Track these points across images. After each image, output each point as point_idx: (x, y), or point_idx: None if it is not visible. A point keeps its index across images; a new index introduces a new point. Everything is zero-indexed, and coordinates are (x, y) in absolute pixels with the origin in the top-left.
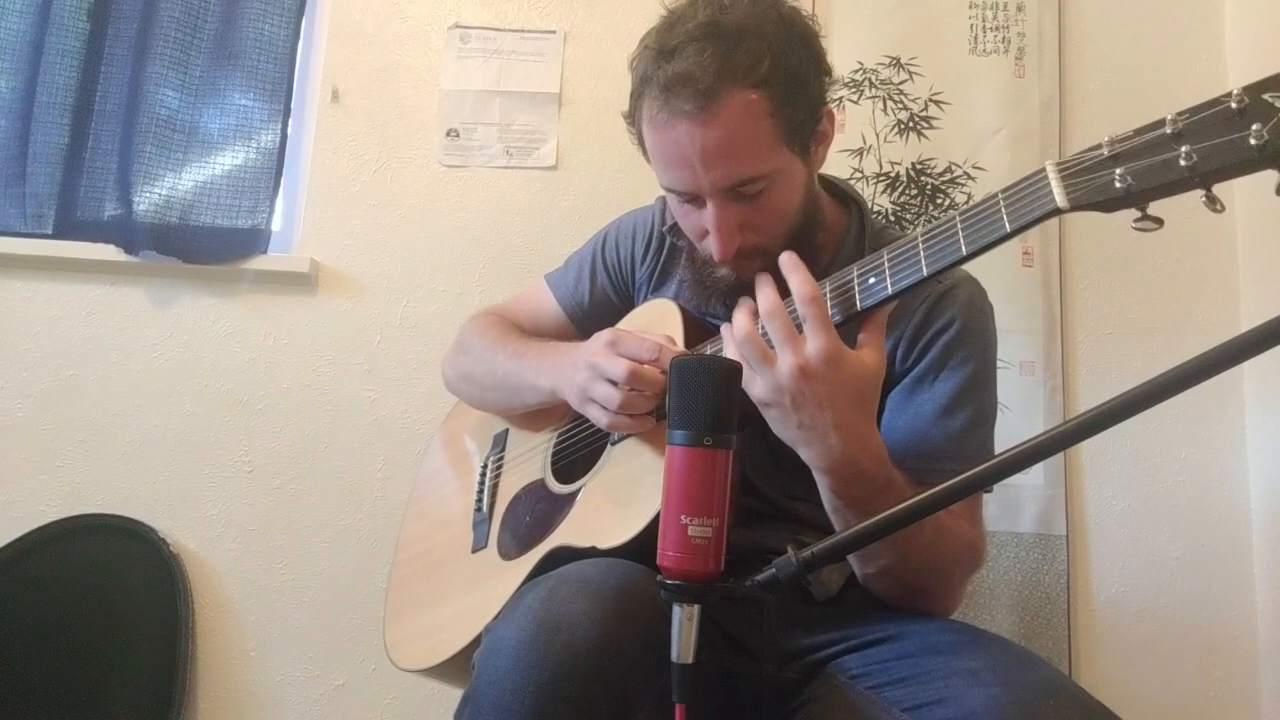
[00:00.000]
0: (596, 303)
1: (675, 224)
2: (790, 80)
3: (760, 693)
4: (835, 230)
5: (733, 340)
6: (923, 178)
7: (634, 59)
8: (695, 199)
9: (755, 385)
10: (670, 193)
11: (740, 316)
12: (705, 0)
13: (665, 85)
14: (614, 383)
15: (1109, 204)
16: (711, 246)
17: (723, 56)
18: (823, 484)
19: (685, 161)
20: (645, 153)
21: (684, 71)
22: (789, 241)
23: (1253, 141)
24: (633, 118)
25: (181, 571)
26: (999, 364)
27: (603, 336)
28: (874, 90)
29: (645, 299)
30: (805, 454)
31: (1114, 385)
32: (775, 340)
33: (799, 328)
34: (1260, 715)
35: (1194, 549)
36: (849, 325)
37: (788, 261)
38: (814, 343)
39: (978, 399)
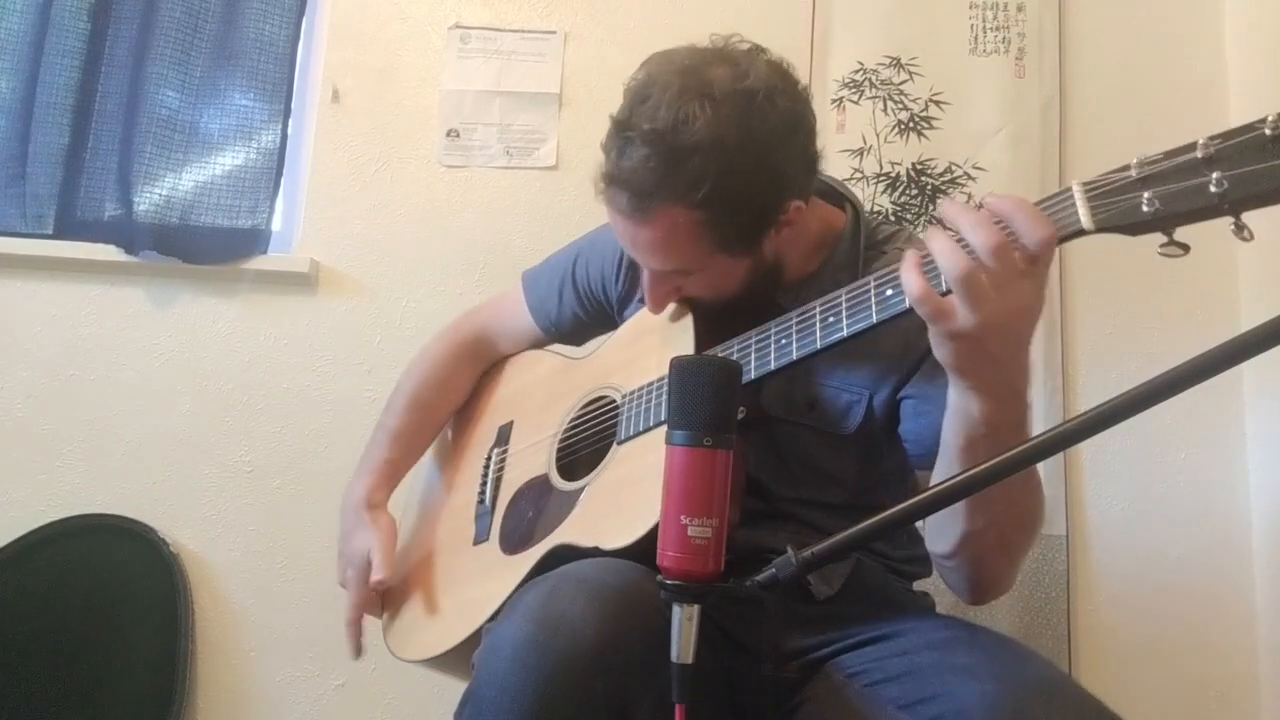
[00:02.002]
0: (565, 318)
1: None
2: (732, 200)
3: (759, 693)
4: (828, 236)
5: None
6: (923, 178)
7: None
8: None
9: (956, 319)
10: None
11: (947, 251)
12: (678, 95)
13: (608, 176)
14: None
15: (1135, 227)
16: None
17: (663, 173)
18: (974, 412)
19: (621, 234)
20: None
21: (626, 173)
22: (726, 304)
23: None
24: None
25: (181, 571)
26: None
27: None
28: (874, 90)
29: (625, 307)
30: (979, 382)
31: (1114, 385)
32: (1001, 277)
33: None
34: (1260, 715)
35: (1194, 549)
36: (867, 333)
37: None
38: (1037, 284)
39: None
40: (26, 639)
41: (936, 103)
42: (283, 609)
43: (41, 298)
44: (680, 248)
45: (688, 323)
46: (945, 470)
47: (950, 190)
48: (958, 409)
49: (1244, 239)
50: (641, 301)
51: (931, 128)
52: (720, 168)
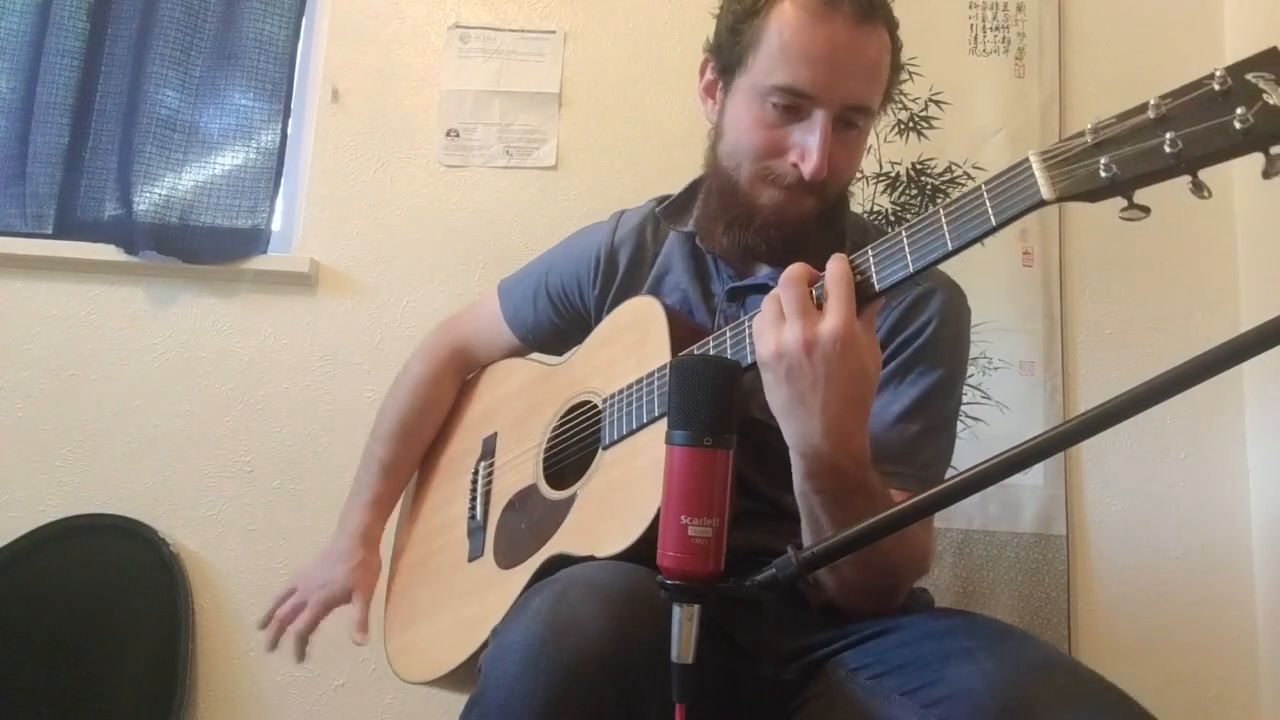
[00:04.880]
0: (543, 326)
1: (670, 205)
2: (896, 55)
3: (760, 694)
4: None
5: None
6: (923, 178)
7: None
8: (798, 110)
9: (761, 342)
10: (778, 92)
11: (783, 276)
12: None
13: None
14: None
15: (1095, 194)
16: (805, 156)
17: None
18: (795, 465)
19: (829, 60)
20: (743, 47)
21: None
22: (836, 199)
23: (1237, 126)
24: (752, 8)
25: (181, 571)
26: (1000, 364)
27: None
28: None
29: (603, 310)
30: (784, 428)
31: (1114, 385)
32: (788, 309)
33: (819, 304)
34: (1260, 715)
35: (1194, 549)
36: None
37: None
38: (829, 321)
39: (938, 407)
40: (26, 639)
41: (936, 102)
42: None
43: (41, 298)
44: (881, 74)
45: (662, 321)
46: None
47: (950, 190)
48: (792, 461)
49: (1203, 197)
50: (616, 301)
51: (931, 127)
52: (895, 27)
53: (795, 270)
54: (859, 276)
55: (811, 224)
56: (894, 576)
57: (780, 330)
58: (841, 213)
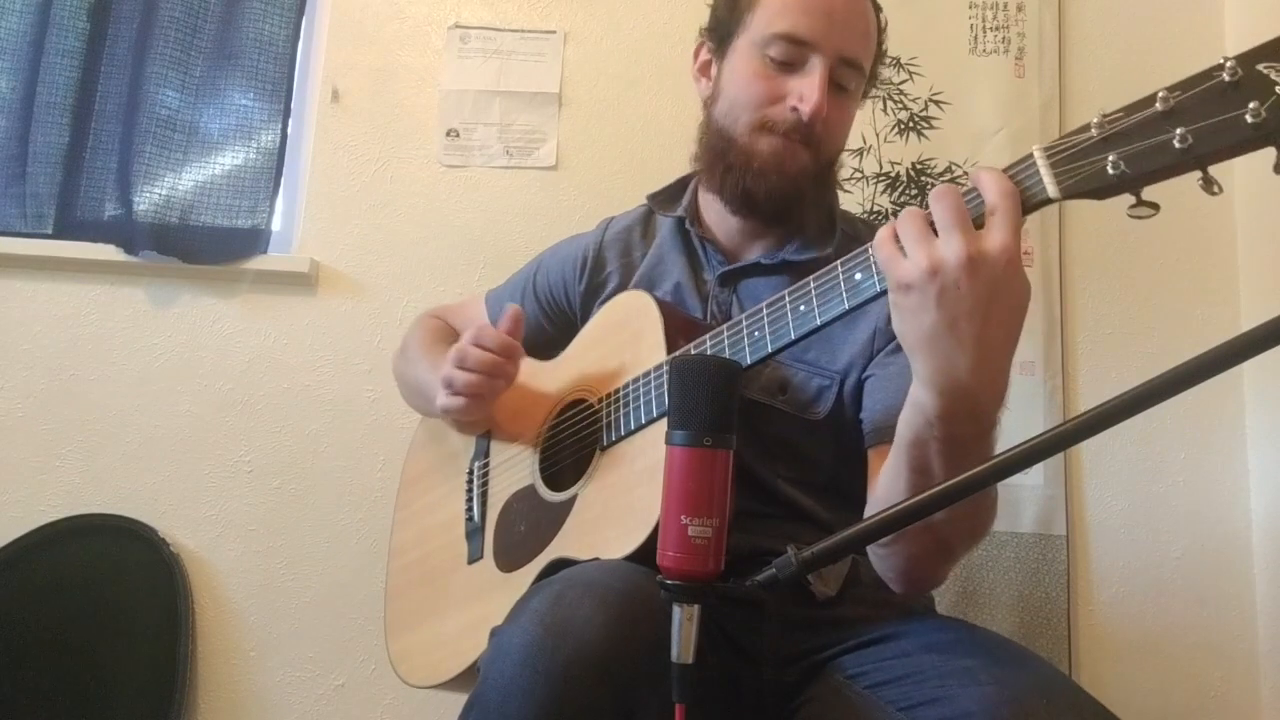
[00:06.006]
0: (529, 327)
1: (660, 193)
2: (881, 33)
3: (760, 696)
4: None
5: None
6: (923, 178)
7: None
8: (795, 63)
9: (902, 264)
10: (777, 40)
11: (935, 191)
12: None
13: None
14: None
15: (1102, 191)
16: (804, 97)
17: None
18: (923, 404)
19: (827, 11)
20: (741, 9)
21: None
22: (827, 164)
23: (1249, 120)
24: None
25: (181, 571)
26: None
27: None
28: (874, 90)
29: (589, 309)
30: (922, 361)
31: (1114, 385)
32: (943, 222)
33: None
34: (1260, 715)
35: (1194, 549)
36: (837, 321)
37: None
38: (997, 237)
39: None
40: (27, 639)
41: (936, 102)
42: (283, 609)
43: (41, 298)
44: (872, 38)
45: (655, 317)
46: (892, 464)
47: None
48: (912, 400)
49: (1213, 193)
50: (605, 300)
51: (931, 127)
52: (880, 9)
53: (945, 186)
54: (832, 283)
55: (807, 180)
56: (977, 533)
57: (931, 245)
58: (831, 183)
